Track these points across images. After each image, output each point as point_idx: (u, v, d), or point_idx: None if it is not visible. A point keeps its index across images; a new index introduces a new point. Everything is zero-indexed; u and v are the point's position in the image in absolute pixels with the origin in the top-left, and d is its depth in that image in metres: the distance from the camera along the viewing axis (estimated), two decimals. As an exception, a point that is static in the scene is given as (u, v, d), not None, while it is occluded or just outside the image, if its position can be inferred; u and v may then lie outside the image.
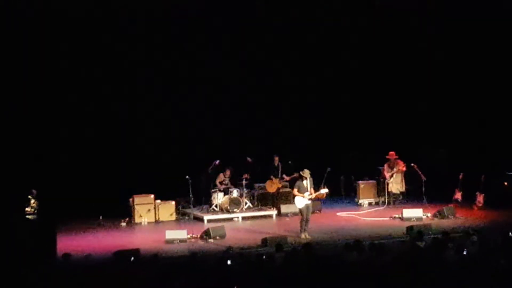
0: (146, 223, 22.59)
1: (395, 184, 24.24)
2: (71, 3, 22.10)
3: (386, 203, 24.20)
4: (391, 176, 24.16)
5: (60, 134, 22.91)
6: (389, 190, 24.25)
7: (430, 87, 26.26)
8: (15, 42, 18.89)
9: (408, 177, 24.28)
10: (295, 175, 21.88)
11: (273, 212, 23.24)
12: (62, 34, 22.49)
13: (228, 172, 23.46)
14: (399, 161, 24.21)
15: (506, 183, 23.60)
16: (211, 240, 19.48)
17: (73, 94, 23.50)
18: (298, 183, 20.05)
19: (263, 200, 23.95)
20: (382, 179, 24.67)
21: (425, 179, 23.39)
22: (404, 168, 24.08)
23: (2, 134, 17.23)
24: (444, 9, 24.81)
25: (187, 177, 22.76)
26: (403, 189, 24.36)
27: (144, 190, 23.02)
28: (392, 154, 24.29)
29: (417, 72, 26.24)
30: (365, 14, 25.59)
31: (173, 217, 23.05)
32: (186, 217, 23.14)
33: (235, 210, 22.68)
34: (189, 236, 19.78)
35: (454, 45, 25.45)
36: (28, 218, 18.29)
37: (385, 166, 24.40)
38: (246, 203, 23.09)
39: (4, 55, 17.97)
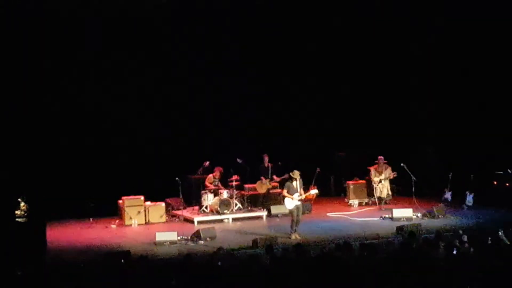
0: (136, 225, 22.53)
1: (383, 189, 24.17)
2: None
3: (378, 204, 24.16)
4: (379, 181, 24.11)
5: (48, 137, 22.82)
6: (378, 195, 24.21)
7: (419, 87, 26.29)
8: (13, 43, 18.82)
9: (398, 177, 24.25)
10: (286, 176, 21.86)
11: (264, 213, 23.23)
12: (58, 35, 22.43)
13: (217, 173, 23.44)
14: (387, 166, 24.14)
15: (495, 182, 23.66)
16: (202, 242, 19.47)
17: (61, 93, 23.41)
18: (287, 184, 20.07)
19: (253, 201, 23.93)
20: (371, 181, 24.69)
21: (414, 179, 23.41)
22: (392, 176, 24.00)
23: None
24: (438, 7, 24.80)
25: (176, 178, 22.75)
26: (389, 193, 24.24)
27: (133, 192, 22.97)
28: (380, 159, 24.24)
29: (407, 72, 26.27)
30: (355, 13, 25.56)
31: (163, 218, 22.99)
32: (177, 219, 23.11)
33: (225, 211, 22.66)
34: (179, 237, 19.76)
35: (444, 44, 25.47)
36: (18, 221, 18.22)
37: (372, 170, 24.32)
38: (236, 204, 23.08)
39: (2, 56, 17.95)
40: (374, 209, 23.91)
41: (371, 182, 24.36)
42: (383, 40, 26.03)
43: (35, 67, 21.51)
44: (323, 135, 26.43)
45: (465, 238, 14.99)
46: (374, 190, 24.22)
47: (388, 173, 24.01)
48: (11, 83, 18.06)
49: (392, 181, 24.26)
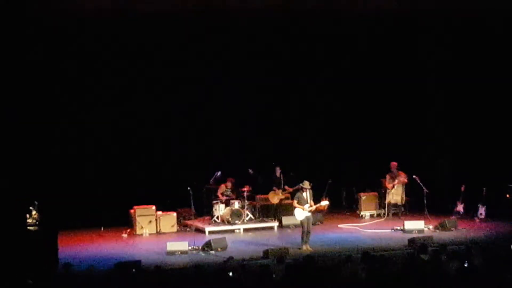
0: (147, 235, 22.57)
1: (396, 195, 24.19)
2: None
3: (386, 214, 24.15)
4: (393, 187, 24.11)
5: (62, 145, 22.89)
6: (389, 201, 24.22)
7: (432, 98, 26.22)
8: (20, 46, 18.84)
9: (410, 189, 24.25)
10: (298, 186, 21.83)
11: (275, 223, 23.22)
12: (66, 39, 22.44)
13: (229, 184, 23.47)
14: (400, 172, 24.18)
15: (508, 195, 23.56)
16: (213, 252, 19.47)
17: (74, 104, 23.47)
18: (298, 194, 20.07)
19: (265, 211, 23.93)
20: (383, 191, 24.65)
21: (427, 191, 23.37)
22: (406, 180, 24.03)
23: (3, 145, 17.23)
24: (446, 9, 24.59)
25: (188, 188, 22.77)
26: (403, 202, 24.27)
27: (145, 202, 23.00)
28: (394, 165, 24.26)
29: (419, 84, 26.21)
30: (364, 20, 25.41)
31: (175, 228, 23.03)
32: (188, 229, 23.12)
33: (236, 221, 22.66)
34: (190, 247, 19.77)
35: (459, 53, 25.32)
36: (29, 230, 18.26)
37: (387, 176, 24.35)
38: (247, 215, 23.08)
39: (10, 59, 17.97)
40: (384, 220, 23.85)
41: (384, 192, 24.36)
42: (394, 47, 25.91)
43: (51, 76, 21.58)
44: (335, 145, 26.35)
45: (477, 251, 14.92)
46: (387, 195, 24.20)
47: (401, 178, 24.00)
48: (25, 91, 18.11)
49: (406, 193, 24.22)
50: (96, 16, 21.73)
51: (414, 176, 23.66)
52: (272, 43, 25.04)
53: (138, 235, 22.58)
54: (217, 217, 22.96)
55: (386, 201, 24.25)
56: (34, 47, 18.47)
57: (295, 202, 20.00)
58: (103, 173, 23.74)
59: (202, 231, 22.42)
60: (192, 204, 23.19)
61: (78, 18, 21.61)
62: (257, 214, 23.62)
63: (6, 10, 17.42)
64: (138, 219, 22.73)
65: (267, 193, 23.97)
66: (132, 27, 22.89)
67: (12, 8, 17.55)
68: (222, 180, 23.66)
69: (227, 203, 23.01)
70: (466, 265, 13.86)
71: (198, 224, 22.98)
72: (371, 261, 14.44)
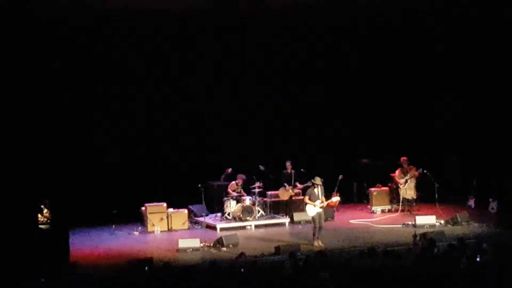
0: (158, 232, 22.59)
1: (409, 190, 24.08)
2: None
3: (400, 210, 24.09)
4: (406, 182, 24.02)
5: (73, 142, 22.90)
6: (403, 196, 24.13)
7: (443, 92, 26.13)
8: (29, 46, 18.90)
9: (421, 183, 24.17)
10: (309, 183, 21.80)
11: (286, 220, 23.22)
12: (77, 37, 22.47)
13: (240, 180, 23.46)
14: (411, 166, 24.10)
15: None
16: (224, 249, 19.49)
17: (86, 101, 23.50)
18: (309, 191, 20.07)
19: (276, 208, 23.92)
20: (394, 186, 24.57)
21: (438, 185, 23.30)
22: (417, 173, 23.93)
23: (15, 143, 17.28)
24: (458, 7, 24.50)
25: (199, 185, 22.78)
26: (415, 196, 24.20)
27: (156, 199, 23.03)
28: (404, 160, 24.17)
29: (430, 78, 26.11)
30: (373, 14, 25.32)
31: (186, 225, 23.04)
32: (199, 226, 23.14)
33: (247, 218, 22.66)
34: (202, 244, 19.79)
35: (469, 48, 25.22)
36: (41, 228, 18.31)
37: (397, 172, 24.25)
38: (258, 211, 23.08)
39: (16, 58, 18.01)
40: (397, 215, 23.80)
41: (397, 185, 24.28)
42: (406, 42, 25.81)
43: (60, 76, 21.61)
44: (346, 141, 26.32)
45: (488, 245, 14.88)
46: (399, 191, 24.12)
47: (412, 172, 23.93)
48: (36, 89, 18.16)
49: (417, 188, 24.14)
50: (102, 16, 21.80)
51: (425, 171, 23.59)
52: (277, 42, 25.02)
53: (150, 232, 22.61)
54: (228, 214, 22.97)
55: (401, 197, 24.14)
56: (45, 46, 18.52)
57: (306, 198, 20.01)
58: (114, 171, 23.76)
59: (213, 228, 22.43)
60: (203, 201, 23.21)
61: (82, 18, 21.67)
62: (268, 211, 23.61)
63: (14, 9, 17.45)
64: (149, 216, 22.75)
65: (278, 189, 23.97)
66: (143, 24, 22.95)
67: (18, 7, 17.60)
68: (233, 177, 23.66)
69: (238, 200, 23.01)
70: (478, 259, 13.83)
71: (210, 221, 22.98)
72: (379, 256, 14.44)
